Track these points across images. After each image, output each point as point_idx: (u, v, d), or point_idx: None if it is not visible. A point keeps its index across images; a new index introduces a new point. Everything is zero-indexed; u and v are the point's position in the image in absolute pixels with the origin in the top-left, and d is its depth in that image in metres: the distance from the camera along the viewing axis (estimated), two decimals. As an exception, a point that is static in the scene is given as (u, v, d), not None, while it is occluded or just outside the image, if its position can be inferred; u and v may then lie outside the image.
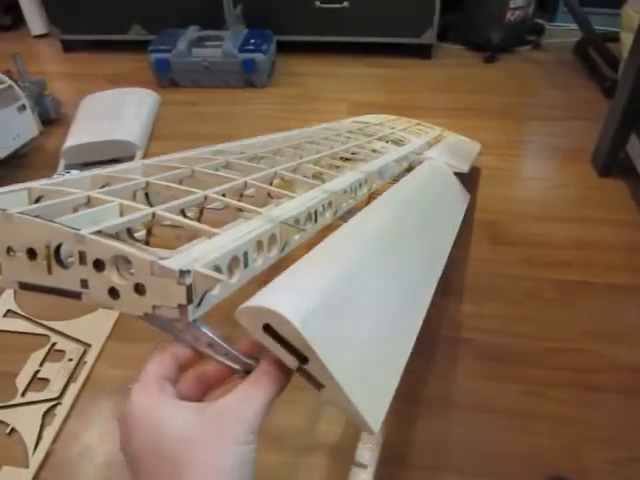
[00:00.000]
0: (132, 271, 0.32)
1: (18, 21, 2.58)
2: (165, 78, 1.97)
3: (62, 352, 0.94)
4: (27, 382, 0.89)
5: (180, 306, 0.31)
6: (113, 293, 0.33)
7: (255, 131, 1.64)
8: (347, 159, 0.71)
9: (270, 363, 0.33)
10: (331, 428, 0.80)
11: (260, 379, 0.33)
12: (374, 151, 0.76)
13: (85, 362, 0.92)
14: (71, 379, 0.89)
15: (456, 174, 0.91)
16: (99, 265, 0.33)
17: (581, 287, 1.05)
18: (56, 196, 0.41)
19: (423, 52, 2.16)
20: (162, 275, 0.31)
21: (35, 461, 0.78)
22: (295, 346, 0.32)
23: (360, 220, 0.51)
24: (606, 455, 0.76)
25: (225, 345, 0.35)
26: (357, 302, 0.40)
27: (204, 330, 0.35)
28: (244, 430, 0.30)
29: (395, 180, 0.75)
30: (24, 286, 0.36)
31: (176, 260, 0.32)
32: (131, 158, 1.47)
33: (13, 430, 0.82)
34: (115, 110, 1.64)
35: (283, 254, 0.42)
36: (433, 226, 0.67)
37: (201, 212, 0.46)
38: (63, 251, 0.34)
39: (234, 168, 0.55)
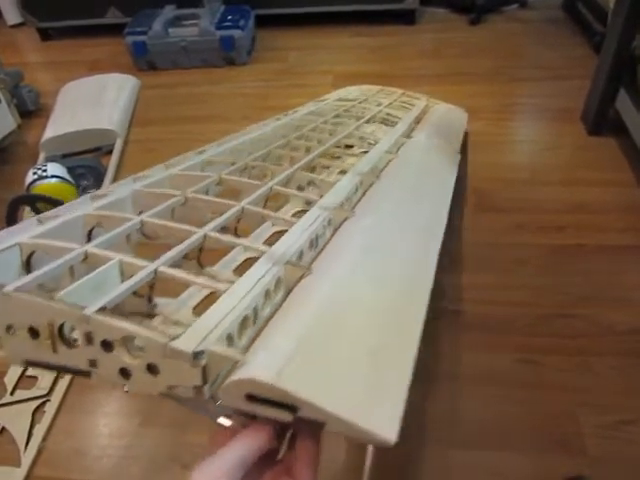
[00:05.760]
0: (143, 350, 0.31)
1: (-8, 12, 2.53)
2: (143, 61, 1.92)
3: (49, 348, 0.93)
4: (15, 380, 0.89)
5: (196, 387, 0.30)
6: (124, 373, 0.32)
7: (238, 111, 1.63)
8: (338, 157, 0.69)
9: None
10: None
11: (241, 434, 0.34)
12: (362, 138, 0.74)
13: (72, 358, 0.91)
14: (59, 375, 0.88)
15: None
16: (107, 345, 0.31)
17: (573, 251, 1.03)
18: (50, 252, 0.38)
19: (407, 18, 2.10)
20: (175, 357, 0.30)
21: (27, 459, 0.78)
22: (280, 401, 0.30)
23: (348, 234, 0.49)
24: (601, 419, 0.76)
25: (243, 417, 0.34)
26: (343, 323, 0.38)
27: (220, 408, 0.34)
28: (215, 470, 0.31)
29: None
30: (30, 363, 0.35)
31: (188, 338, 0.30)
32: (111, 146, 1.45)
33: (4, 429, 0.82)
34: (94, 98, 1.61)
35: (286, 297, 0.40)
36: (428, 223, 0.64)
37: (200, 251, 0.44)
38: (67, 327, 0.32)
39: (227, 184, 0.53)
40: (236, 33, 1.84)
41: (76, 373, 0.33)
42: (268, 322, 0.36)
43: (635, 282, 0.96)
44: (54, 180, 1.16)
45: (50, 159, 1.37)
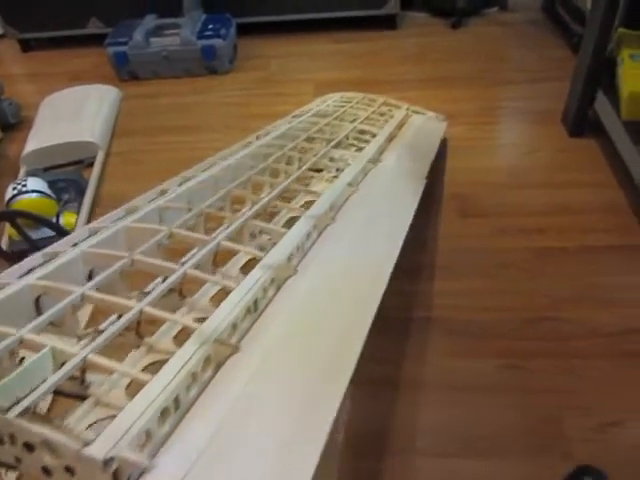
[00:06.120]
0: (61, 454, 0.33)
1: (-28, 24, 2.51)
2: (125, 71, 1.92)
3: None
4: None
5: None
6: (46, 471, 0.34)
7: (221, 120, 1.63)
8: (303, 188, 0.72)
9: None
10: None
11: None
12: (329, 167, 0.77)
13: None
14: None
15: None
16: (29, 447, 0.33)
17: (556, 253, 1.03)
18: None
19: (388, 23, 2.11)
20: (87, 463, 0.32)
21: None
22: None
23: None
24: (587, 422, 0.76)
25: None
26: (253, 418, 0.39)
27: None
28: None
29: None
30: None
31: (102, 442, 0.32)
32: (93, 158, 1.44)
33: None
34: (75, 110, 1.60)
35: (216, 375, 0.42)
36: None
37: (139, 324, 0.47)
38: None
39: (178, 239, 0.56)
40: (217, 42, 1.84)
41: (5, 466, 0.36)
42: (194, 403, 0.39)
43: (618, 283, 0.96)
44: (34, 195, 1.15)
45: (31, 173, 1.36)
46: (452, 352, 0.86)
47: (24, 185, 1.15)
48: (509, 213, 1.14)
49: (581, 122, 1.34)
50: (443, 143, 0.92)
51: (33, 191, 1.15)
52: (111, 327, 0.41)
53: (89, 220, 1.22)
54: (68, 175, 1.35)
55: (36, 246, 1.09)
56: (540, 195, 1.18)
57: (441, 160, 1.13)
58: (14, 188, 1.15)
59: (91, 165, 1.43)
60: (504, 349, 0.86)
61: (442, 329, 0.90)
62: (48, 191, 1.18)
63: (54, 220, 1.16)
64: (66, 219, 1.19)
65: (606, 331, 0.88)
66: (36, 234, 1.11)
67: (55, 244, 0.55)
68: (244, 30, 2.10)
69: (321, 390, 0.43)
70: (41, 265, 0.50)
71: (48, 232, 1.11)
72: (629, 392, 0.79)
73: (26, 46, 2.30)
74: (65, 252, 0.51)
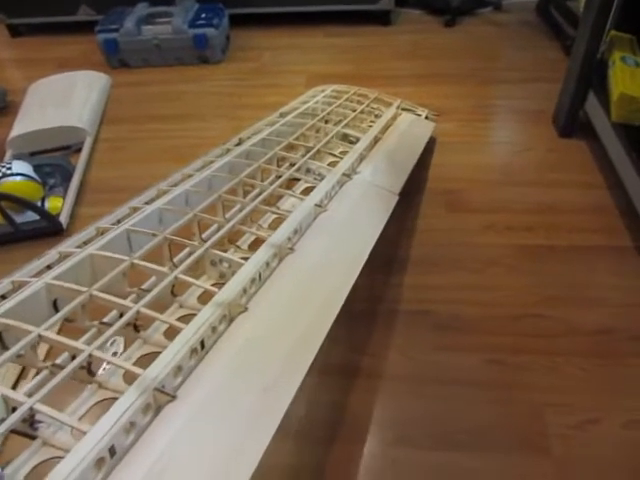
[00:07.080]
0: None
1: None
2: (115, 59, 1.90)
3: None
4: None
5: None
6: None
7: (211, 109, 1.62)
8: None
9: None
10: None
11: None
12: (308, 171, 0.79)
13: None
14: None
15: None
16: None
17: (542, 251, 1.04)
18: None
19: (382, 19, 2.11)
20: None
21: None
22: None
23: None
24: (567, 419, 0.76)
25: None
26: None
27: None
28: None
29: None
30: None
31: None
32: (80, 144, 1.42)
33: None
34: (63, 95, 1.58)
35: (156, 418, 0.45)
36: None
37: (90, 364, 0.51)
38: None
39: (138, 269, 0.58)
40: (209, 31, 1.83)
41: None
42: (130, 450, 0.41)
43: (604, 282, 0.97)
44: (19, 178, 1.13)
45: (17, 157, 1.34)
46: (436, 346, 0.86)
47: (9, 168, 1.13)
48: (498, 210, 1.14)
49: (572, 123, 1.34)
50: (431, 140, 0.92)
51: (18, 174, 1.13)
52: (60, 374, 0.44)
53: (75, 205, 1.20)
54: (54, 160, 1.33)
55: (20, 229, 1.08)
56: (529, 193, 1.18)
57: (428, 155, 1.13)
58: (-2, 171, 1.13)
59: (78, 151, 1.41)
60: (488, 344, 0.86)
61: (426, 323, 0.90)
62: (33, 174, 1.17)
63: (39, 204, 1.15)
64: (52, 203, 1.17)
65: (590, 330, 0.88)
66: (20, 217, 1.09)
67: (29, 266, 0.59)
68: (238, 21, 2.09)
69: (244, 441, 0.45)
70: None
71: (33, 216, 1.09)
72: (609, 390, 0.79)
73: (15, 32, 2.27)
74: (30, 283, 0.54)
